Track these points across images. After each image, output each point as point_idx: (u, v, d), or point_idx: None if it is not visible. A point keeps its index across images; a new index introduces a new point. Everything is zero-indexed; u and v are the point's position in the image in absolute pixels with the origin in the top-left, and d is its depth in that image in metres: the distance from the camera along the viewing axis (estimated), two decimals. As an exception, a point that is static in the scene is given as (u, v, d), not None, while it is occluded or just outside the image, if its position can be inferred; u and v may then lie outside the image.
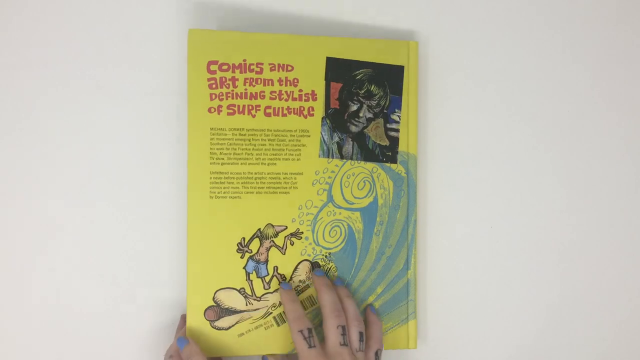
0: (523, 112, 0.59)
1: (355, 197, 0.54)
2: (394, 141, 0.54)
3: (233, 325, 0.51)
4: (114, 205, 0.54)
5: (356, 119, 0.53)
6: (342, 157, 0.53)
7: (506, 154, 0.59)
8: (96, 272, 0.53)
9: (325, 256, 0.53)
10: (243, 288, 0.52)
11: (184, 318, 0.53)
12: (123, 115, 0.54)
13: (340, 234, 0.53)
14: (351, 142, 0.53)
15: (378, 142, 0.54)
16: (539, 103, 0.59)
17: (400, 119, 0.54)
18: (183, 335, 0.50)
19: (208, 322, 0.51)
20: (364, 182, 0.54)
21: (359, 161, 0.54)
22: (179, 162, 0.54)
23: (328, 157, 0.53)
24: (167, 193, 0.54)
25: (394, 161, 0.54)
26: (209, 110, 0.51)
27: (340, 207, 0.53)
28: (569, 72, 0.60)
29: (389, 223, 0.54)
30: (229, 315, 0.51)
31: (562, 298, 0.60)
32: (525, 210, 0.59)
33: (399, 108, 0.54)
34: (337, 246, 0.53)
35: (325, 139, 0.53)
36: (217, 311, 0.51)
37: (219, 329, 0.51)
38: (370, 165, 0.54)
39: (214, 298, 0.51)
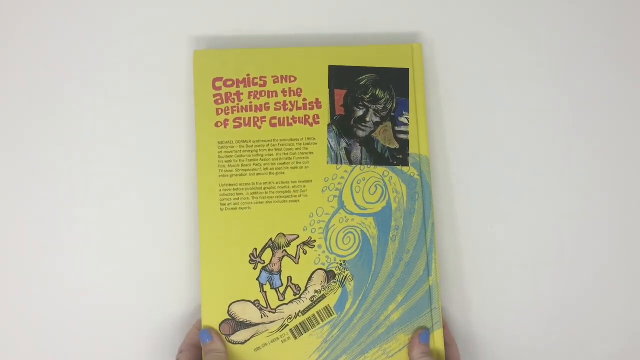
0: (531, 108, 0.59)
1: (367, 202, 0.55)
2: (404, 143, 0.55)
3: (249, 339, 0.52)
4: (123, 218, 0.56)
5: (363, 124, 0.55)
6: (351, 163, 0.55)
7: (518, 151, 0.58)
8: (109, 289, 0.55)
9: (340, 264, 0.54)
10: (257, 300, 0.53)
11: (199, 323, 0.55)
12: (134, 123, 0.56)
13: (355, 241, 0.54)
14: (359, 147, 0.55)
15: (387, 145, 0.55)
16: (548, 100, 0.59)
17: (408, 121, 0.55)
18: (206, 328, 0.52)
19: (224, 336, 0.52)
20: (375, 186, 0.55)
21: (369, 165, 0.55)
22: (190, 169, 0.56)
23: (337, 163, 0.55)
24: (179, 206, 0.56)
25: (406, 164, 0.55)
26: (216, 124, 0.54)
27: (352, 213, 0.54)
28: (577, 67, 0.59)
29: (405, 228, 0.54)
30: (245, 328, 0.53)
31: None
32: (540, 209, 0.58)
33: (407, 110, 0.56)
34: (351, 253, 0.54)
35: (333, 145, 0.55)
36: (233, 325, 0.53)
37: (235, 343, 0.52)
38: (380, 169, 0.55)
39: (228, 311, 0.53)
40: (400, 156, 0.55)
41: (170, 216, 0.56)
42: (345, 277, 0.54)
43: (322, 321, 0.53)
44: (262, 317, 0.53)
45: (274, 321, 0.53)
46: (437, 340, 0.53)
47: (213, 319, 0.52)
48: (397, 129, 0.55)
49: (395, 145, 0.55)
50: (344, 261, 0.54)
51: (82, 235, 0.55)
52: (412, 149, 0.55)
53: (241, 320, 0.53)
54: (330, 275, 0.54)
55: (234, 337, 0.52)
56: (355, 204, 0.54)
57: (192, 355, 0.52)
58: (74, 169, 0.56)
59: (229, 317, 0.52)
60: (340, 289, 0.53)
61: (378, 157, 0.55)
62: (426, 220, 0.54)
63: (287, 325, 0.53)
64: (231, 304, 0.53)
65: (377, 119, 0.55)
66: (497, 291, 0.58)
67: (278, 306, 0.53)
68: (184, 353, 0.52)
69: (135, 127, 0.57)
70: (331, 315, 0.53)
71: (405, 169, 0.55)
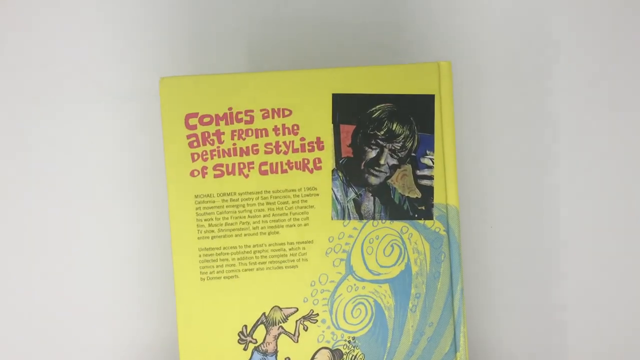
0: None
1: (381, 266, 0.46)
2: (428, 192, 0.46)
3: None
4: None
5: (376, 168, 0.45)
6: (361, 218, 0.45)
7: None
8: None
9: (349, 341, 0.46)
10: None
11: None
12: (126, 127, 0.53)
13: (366, 313, 0.46)
14: (372, 198, 0.45)
15: (407, 194, 0.46)
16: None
17: (433, 162, 0.46)
18: None
19: None
20: (391, 246, 0.46)
21: (384, 220, 0.45)
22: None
23: (343, 219, 0.45)
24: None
25: (429, 217, 0.46)
26: (192, 173, 0.44)
27: (363, 280, 0.46)
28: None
29: (428, 295, 0.46)
30: (235, 420, 0.46)
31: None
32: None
33: (431, 149, 0.46)
34: (362, 328, 0.46)
35: (339, 197, 0.45)
36: None
37: None
38: (398, 224, 0.46)
39: None
40: (423, 207, 0.46)
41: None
42: (355, 357, 0.46)
43: None
44: None
45: None
46: None
47: None
48: (418, 173, 0.45)
49: (417, 194, 0.46)
50: (353, 338, 0.46)
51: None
52: (438, 199, 0.45)
53: (230, 410, 0.45)
54: (336, 354, 0.46)
55: None
56: (367, 269, 0.46)
57: None
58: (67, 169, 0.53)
59: None
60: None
61: (395, 209, 0.45)
62: (454, 286, 0.46)
63: None
64: None
65: (393, 162, 0.45)
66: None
67: None
68: None
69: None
70: None
71: (429, 223, 0.46)
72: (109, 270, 0.54)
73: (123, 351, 0.53)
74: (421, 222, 0.45)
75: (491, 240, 0.54)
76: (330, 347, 0.45)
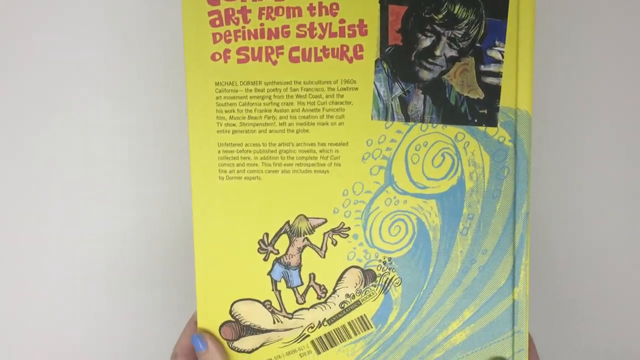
0: None
1: (428, 178, 0.40)
2: (493, 92, 0.38)
3: (258, 348, 0.42)
4: (113, 206, 0.52)
5: (430, 60, 0.38)
6: (407, 119, 0.39)
7: None
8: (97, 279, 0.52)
9: (384, 262, 0.40)
10: (269, 301, 0.42)
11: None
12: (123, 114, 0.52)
13: (406, 232, 0.40)
14: (422, 96, 0.39)
15: (466, 94, 0.38)
16: None
17: (503, 56, 0.38)
18: (200, 334, 0.41)
19: (225, 341, 0.43)
20: (442, 155, 0.39)
21: (435, 124, 0.39)
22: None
23: (386, 120, 0.39)
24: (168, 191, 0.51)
25: (493, 123, 0.39)
26: (212, 57, 0.39)
27: (405, 193, 0.40)
28: None
29: (484, 217, 0.39)
30: (252, 334, 0.42)
31: None
32: None
33: (502, 39, 0.37)
34: (400, 249, 0.40)
35: (382, 93, 0.39)
36: (237, 329, 0.42)
37: (239, 351, 0.42)
38: (452, 130, 0.39)
39: (231, 311, 0.42)
40: (485, 111, 0.38)
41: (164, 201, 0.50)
42: (390, 281, 0.41)
43: (355, 335, 0.41)
44: (274, 323, 0.42)
45: (290, 329, 0.42)
46: None
47: (211, 319, 0.41)
48: (483, 68, 0.37)
49: (479, 95, 0.38)
50: (389, 259, 0.40)
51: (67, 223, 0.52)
52: (505, 101, 0.37)
53: (247, 323, 0.41)
54: (368, 276, 0.41)
55: (237, 344, 0.42)
56: (411, 180, 0.40)
57: None
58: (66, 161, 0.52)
59: (232, 319, 0.42)
60: (382, 296, 0.41)
61: (450, 111, 0.38)
62: (517, 208, 0.39)
63: (308, 335, 0.42)
64: (234, 303, 0.42)
65: (452, 53, 0.38)
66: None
67: (296, 310, 0.41)
68: (179, 358, 0.43)
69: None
70: (368, 329, 0.41)
71: (491, 130, 0.39)
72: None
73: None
74: (482, 128, 0.38)
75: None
76: (362, 267, 0.40)
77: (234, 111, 0.39)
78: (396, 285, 0.40)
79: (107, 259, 0.53)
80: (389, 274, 0.40)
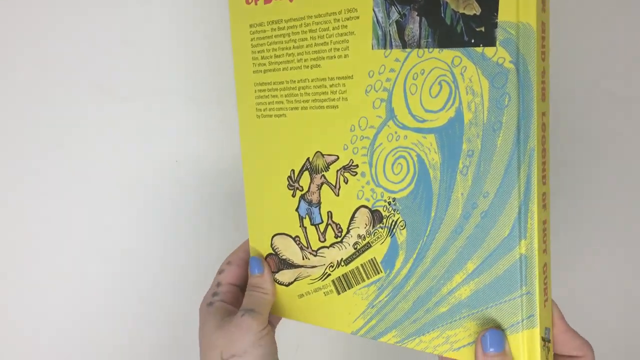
0: None
1: (426, 111, 0.35)
2: (490, 4, 0.32)
3: (292, 282, 0.42)
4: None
5: None
6: (404, 46, 0.35)
7: None
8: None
9: (389, 203, 0.37)
10: (298, 237, 0.42)
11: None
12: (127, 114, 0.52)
13: (408, 170, 0.36)
14: (417, 18, 0.34)
15: (461, 10, 0.32)
16: None
17: (500, -40, 0.31)
18: (260, 258, 0.44)
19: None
20: (439, 83, 0.34)
21: (431, 49, 0.34)
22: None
23: (385, 48, 0.36)
24: None
25: (491, 42, 0.32)
26: (247, 1, 0.42)
27: (405, 128, 0.36)
28: None
29: (484, 155, 0.33)
30: (288, 268, 0.43)
31: None
32: None
33: (500, -58, 0.31)
34: (403, 188, 0.36)
35: (380, 19, 0.35)
36: (276, 261, 0.43)
37: (279, 283, 0.43)
38: (449, 54, 0.33)
39: (271, 244, 0.43)
40: (482, 28, 0.32)
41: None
42: (395, 223, 0.37)
43: (367, 278, 0.39)
44: (303, 259, 0.42)
45: (315, 266, 0.41)
46: (527, 344, 0.33)
47: (259, 250, 0.44)
48: None
49: (475, 10, 0.32)
50: (393, 199, 0.37)
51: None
52: (505, 14, 0.31)
53: (283, 257, 0.43)
54: (376, 217, 0.38)
55: (278, 276, 0.44)
56: (410, 113, 0.35)
57: (239, 274, 0.44)
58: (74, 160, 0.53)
59: (273, 252, 0.44)
60: (389, 239, 0.37)
61: (445, 32, 0.33)
62: (521, 144, 0.32)
63: (329, 274, 0.40)
64: (274, 236, 0.43)
65: (445, -35, 0.33)
66: None
67: (319, 248, 0.41)
68: (232, 266, 0.44)
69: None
70: (378, 273, 0.38)
71: (489, 51, 0.32)
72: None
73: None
74: (479, 50, 0.32)
75: None
76: (370, 207, 0.38)
77: (263, 51, 0.41)
78: (401, 228, 0.36)
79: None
80: (394, 215, 0.37)
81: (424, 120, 0.35)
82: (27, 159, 0.52)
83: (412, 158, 0.36)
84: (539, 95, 0.31)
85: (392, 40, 0.35)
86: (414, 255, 0.37)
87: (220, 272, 0.44)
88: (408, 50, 0.35)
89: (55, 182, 0.52)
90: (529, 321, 0.33)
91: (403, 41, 0.35)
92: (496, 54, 0.32)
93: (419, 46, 0.35)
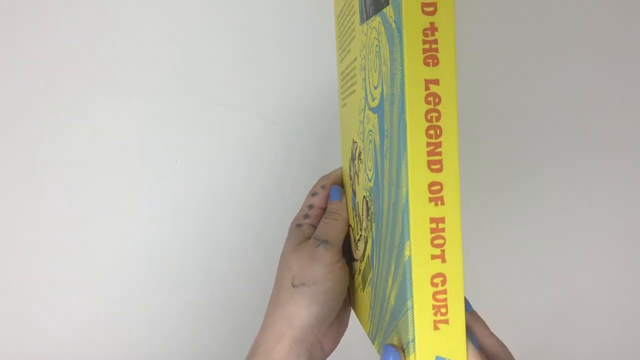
0: None
1: (375, 87, 0.28)
2: None
3: (353, 276, 0.38)
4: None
5: None
6: (367, 17, 0.29)
7: None
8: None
9: (369, 191, 0.31)
10: (351, 227, 0.38)
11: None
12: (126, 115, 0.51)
13: (372, 156, 0.29)
14: None
15: None
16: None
17: None
18: (340, 187, 0.43)
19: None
20: (376, 55, 0.27)
21: (372, 17, 0.27)
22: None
23: (361, 23, 0.30)
24: None
25: (386, 2, 0.24)
26: None
27: (370, 108, 0.31)
28: None
29: (391, 133, 0.24)
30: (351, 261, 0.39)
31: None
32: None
33: None
34: (370, 178, 0.30)
35: None
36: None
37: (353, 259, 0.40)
38: (376, 21, 0.26)
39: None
40: None
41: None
42: (373, 215, 0.30)
43: (367, 276, 0.33)
44: (354, 252, 0.38)
45: (356, 260, 0.37)
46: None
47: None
48: None
49: None
50: (370, 188, 0.30)
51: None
52: None
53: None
54: (368, 207, 0.31)
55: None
56: (370, 92, 0.30)
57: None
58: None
59: None
60: (372, 234, 0.30)
61: None
62: (400, 120, 0.22)
63: (360, 270, 0.36)
64: None
65: None
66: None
67: (357, 240, 0.36)
68: (326, 190, 0.43)
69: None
70: (370, 271, 0.32)
71: (388, 10, 0.24)
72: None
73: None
74: (385, 10, 0.25)
75: None
76: (365, 196, 0.33)
77: (338, 42, 0.40)
78: (374, 221, 0.30)
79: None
80: (372, 207, 0.31)
81: (374, 98, 0.30)
82: (25, 159, 0.52)
83: (373, 142, 0.31)
84: (416, 59, 0.24)
85: (368, 11, 0.32)
86: (376, 253, 0.31)
87: (313, 194, 0.44)
88: (366, 22, 0.31)
89: (62, 180, 0.52)
90: (408, 348, 0.25)
91: (367, 13, 0.31)
92: (389, 12, 0.26)
93: (368, 15, 0.30)
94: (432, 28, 0.25)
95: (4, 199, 0.51)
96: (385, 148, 0.29)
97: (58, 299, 0.52)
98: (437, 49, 0.25)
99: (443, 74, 0.26)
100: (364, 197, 0.35)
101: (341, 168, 0.45)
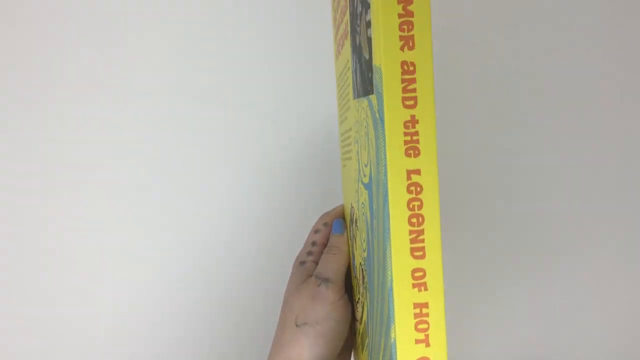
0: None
1: (365, 165, 0.29)
2: (370, 46, 0.25)
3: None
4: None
5: (358, 22, 0.28)
6: (357, 95, 0.31)
7: None
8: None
9: (364, 260, 0.31)
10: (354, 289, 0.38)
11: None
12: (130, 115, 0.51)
13: (365, 228, 0.30)
14: (357, 65, 0.28)
15: (364, 53, 0.25)
16: None
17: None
18: (343, 220, 0.44)
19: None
20: (366, 135, 0.27)
21: (360, 98, 0.29)
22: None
23: (355, 98, 0.31)
24: None
25: (371, 89, 0.26)
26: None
27: (362, 183, 0.30)
28: None
29: (377, 214, 0.26)
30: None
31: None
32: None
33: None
34: (364, 249, 0.30)
35: (354, 66, 0.31)
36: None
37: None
38: (363, 104, 0.28)
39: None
40: (370, 74, 0.26)
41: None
42: (367, 287, 0.30)
43: (365, 340, 0.33)
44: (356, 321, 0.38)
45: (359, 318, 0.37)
46: None
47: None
48: (367, 17, 0.26)
49: (366, 53, 0.26)
50: (365, 258, 0.31)
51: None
52: (376, 57, 0.26)
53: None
54: (363, 276, 0.32)
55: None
56: (361, 167, 0.30)
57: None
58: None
59: None
60: (366, 303, 0.31)
61: (360, 80, 0.28)
62: (382, 206, 0.23)
63: (359, 324, 0.36)
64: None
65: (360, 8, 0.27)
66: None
67: (357, 301, 0.36)
68: (329, 227, 0.44)
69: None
70: (367, 337, 0.32)
71: (373, 99, 0.25)
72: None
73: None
74: (372, 97, 0.26)
75: None
76: (361, 263, 0.33)
77: (339, 104, 0.41)
78: (368, 292, 0.31)
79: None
80: (366, 277, 0.31)
81: (365, 175, 0.31)
82: (25, 159, 0.53)
83: (365, 215, 0.32)
84: (398, 150, 0.25)
85: (357, 91, 0.33)
86: (370, 323, 0.32)
87: (315, 231, 0.45)
88: (357, 99, 0.32)
89: (62, 180, 0.53)
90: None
91: (358, 90, 0.32)
92: (374, 100, 0.27)
93: (358, 95, 0.31)
94: (413, 120, 0.26)
95: (4, 199, 0.53)
96: (374, 227, 0.30)
97: (58, 299, 0.53)
98: (418, 140, 0.26)
99: (424, 163, 0.26)
100: (360, 264, 0.36)
101: (342, 205, 0.45)
